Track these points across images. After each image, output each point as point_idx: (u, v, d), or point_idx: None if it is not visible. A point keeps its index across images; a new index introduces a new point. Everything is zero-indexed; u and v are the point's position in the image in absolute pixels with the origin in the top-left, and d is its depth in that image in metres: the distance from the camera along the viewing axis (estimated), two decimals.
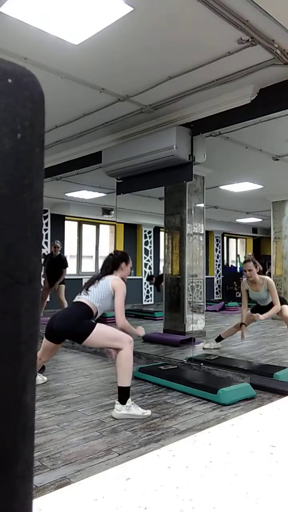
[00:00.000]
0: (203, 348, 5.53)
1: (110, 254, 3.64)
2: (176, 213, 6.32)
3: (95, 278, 3.48)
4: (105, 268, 3.54)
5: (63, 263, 7.84)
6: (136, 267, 11.98)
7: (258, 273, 4.95)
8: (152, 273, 11.96)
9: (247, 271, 4.95)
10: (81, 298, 3.41)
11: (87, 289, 3.41)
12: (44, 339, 3.45)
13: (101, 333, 3.21)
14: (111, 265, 3.52)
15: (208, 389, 3.59)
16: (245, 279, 5.06)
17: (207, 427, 0.88)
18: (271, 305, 4.98)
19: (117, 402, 3.20)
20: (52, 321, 3.38)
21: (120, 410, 3.14)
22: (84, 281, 11.74)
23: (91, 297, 3.36)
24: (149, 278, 10.77)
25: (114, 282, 3.38)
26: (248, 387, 3.66)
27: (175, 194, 6.29)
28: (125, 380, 3.19)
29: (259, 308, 5.08)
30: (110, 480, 0.55)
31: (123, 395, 3.18)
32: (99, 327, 3.23)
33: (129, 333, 3.35)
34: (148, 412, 3.19)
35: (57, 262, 7.77)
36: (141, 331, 3.64)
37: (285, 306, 4.99)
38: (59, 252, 7.76)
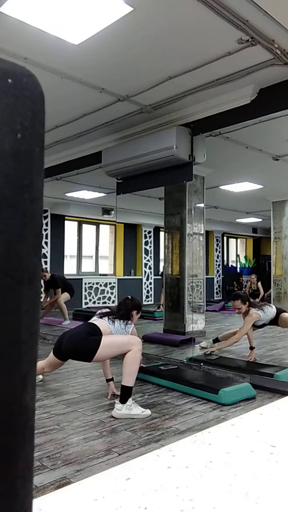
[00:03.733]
0: (200, 347, 5.53)
1: (127, 298, 3.76)
2: (176, 213, 6.31)
3: (120, 316, 3.54)
4: (122, 311, 3.60)
5: (57, 284, 7.88)
6: (136, 267, 11.98)
7: (250, 305, 4.85)
8: (152, 273, 11.96)
9: (236, 310, 4.91)
10: (99, 321, 3.45)
11: (112, 319, 3.48)
12: (52, 353, 3.47)
13: (108, 344, 3.23)
14: (128, 311, 3.60)
15: (209, 390, 3.59)
16: None
17: (207, 427, 0.88)
18: (275, 320, 4.95)
19: (117, 401, 3.21)
20: (61, 340, 3.41)
21: (120, 409, 3.15)
22: (84, 281, 11.79)
23: (114, 329, 3.42)
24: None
25: (134, 331, 3.60)
26: (249, 387, 3.66)
27: (175, 194, 6.29)
28: (129, 379, 3.21)
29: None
30: (110, 480, 0.55)
31: (126, 394, 3.18)
32: (105, 340, 3.24)
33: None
34: (147, 412, 3.20)
35: (53, 284, 7.84)
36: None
37: (285, 313, 4.96)
38: (48, 276, 7.79)
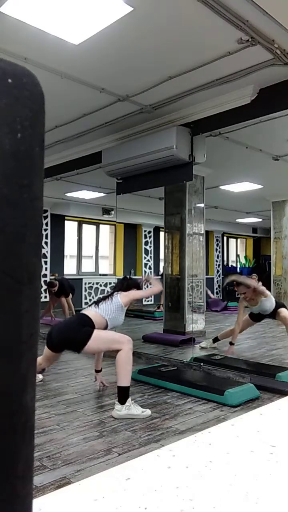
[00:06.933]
0: (200, 347, 5.54)
1: (125, 278, 3.82)
2: (176, 213, 6.31)
3: (107, 296, 3.57)
4: (118, 287, 3.66)
5: (67, 292, 7.99)
6: (136, 267, 11.98)
7: (255, 289, 4.89)
8: (152, 273, 11.96)
9: (242, 295, 4.92)
10: (87, 310, 3.47)
11: (97, 304, 3.49)
12: (46, 347, 3.48)
13: (98, 338, 3.24)
14: (125, 287, 3.63)
15: (214, 391, 3.58)
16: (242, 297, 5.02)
17: (207, 427, 0.88)
18: (273, 313, 4.99)
19: (117, 402, 3.20)
20: (51, 331, 3.42)
21: (120, 410, 3.14)
22: (84, 281, 11.88)
23: (101, 311, 3.42)
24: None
25: (123, 298, 3.51)
26: (253, 387, 3.65)
27: (175, 194, 6.29)
28: (124, 380, 3.20)
29: (258, 316, 5.09)
30: (110, 480, 0.55)
31: (123, 395, 3.18)
32: (96, 333, 3.25)
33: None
34: (147, 412, 3.20)
35: (64, 291, 7.93)
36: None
37: (283, 309, 5.00)
38: (56, 285, 7.87)
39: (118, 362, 3.23)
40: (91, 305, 3.56)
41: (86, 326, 3.28)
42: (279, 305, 5.03)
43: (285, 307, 5.08)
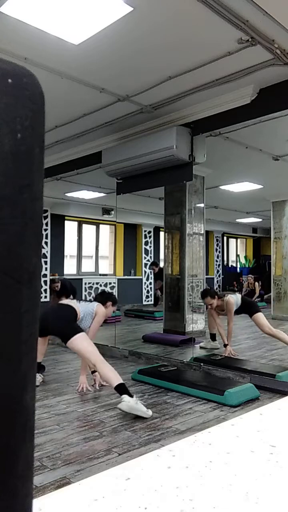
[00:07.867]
0: (200, 347, 5.55)
1: (104, 292, 4.47)
2: (176, 213, 6.31)
3: (88, 300, 4.16)
4: (98, 299, 4.15)
5: (68, 292, 8.03)
6: (136, 267, 11.98)
7: (219, 297, 5.22)
8: (152, 273, 11.96)
9: (209, 306, 5.31)
10: (72, 303, 3.98)
11: (79, 301, 4.08)
12: None
13: (83, 340, 3.52)
14: (103, 299, 4.14)
15: (214, 391, 3.58)
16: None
17: (207, 427, 0.88)
18: (247, 312, 5.20)
19: (123, 396, 3.16)
20: (46, 318, 3.70)
21: (129, 401, 3.10)
22: (84, 281, 11.94)
23: (81, 307, 3.92)
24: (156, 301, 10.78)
25: (98, 308, 4.01)
26: (253, 387, 3.65)
27: (175, 194, 6.28)
28: (114, 379, 3.25)
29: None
30: (110, 480, 0.55)
31: (123, 390, 3.18)
32: (84, 335, 3.56)
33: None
34: (150, 412, 3.19)
35: (65, 292, 7.95)
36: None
37: (259, 315, 5.08)
38: (58, 282, 7.92)
39: (97, 369, 3.44)
40: (76, 298, 4.01)
41: (75, 321, 3.75)
42: (251, 306, 5.25)
43: (259, 310, 5.22)
